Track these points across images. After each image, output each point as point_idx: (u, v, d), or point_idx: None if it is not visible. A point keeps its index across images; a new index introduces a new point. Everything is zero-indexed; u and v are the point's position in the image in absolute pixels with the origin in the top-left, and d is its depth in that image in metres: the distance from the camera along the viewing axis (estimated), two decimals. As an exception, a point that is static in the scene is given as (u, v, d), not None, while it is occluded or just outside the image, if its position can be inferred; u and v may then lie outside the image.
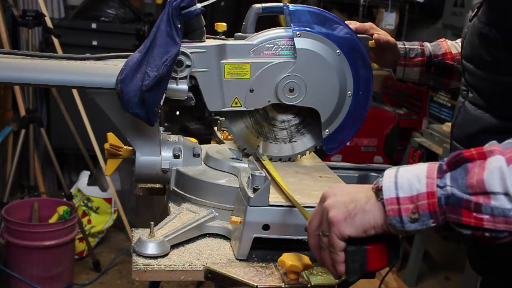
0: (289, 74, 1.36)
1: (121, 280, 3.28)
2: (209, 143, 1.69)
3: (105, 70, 1.29)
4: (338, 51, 1.37)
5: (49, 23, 3.24)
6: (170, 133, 1.47)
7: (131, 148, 1.38)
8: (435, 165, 0.87)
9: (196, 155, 1.40)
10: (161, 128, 1.42)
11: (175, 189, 1.36)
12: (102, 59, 1.33)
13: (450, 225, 0.84)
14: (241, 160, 1.42)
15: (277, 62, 1.35)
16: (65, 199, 3.27)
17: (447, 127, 3.11)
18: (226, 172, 1.37)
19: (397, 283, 3.31)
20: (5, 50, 1.31)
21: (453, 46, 1.62)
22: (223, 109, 1.37)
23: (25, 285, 2.86)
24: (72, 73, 1.28)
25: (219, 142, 1.64)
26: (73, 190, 3.58)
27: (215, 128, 1.75)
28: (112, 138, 1.38)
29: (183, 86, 1.31)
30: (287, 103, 1.38)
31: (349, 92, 1.40)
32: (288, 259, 1.10)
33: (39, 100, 3.96)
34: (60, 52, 3.26)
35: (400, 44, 1.58)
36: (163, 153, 1.37)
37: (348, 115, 1.42)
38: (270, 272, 1.14)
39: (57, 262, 2.96)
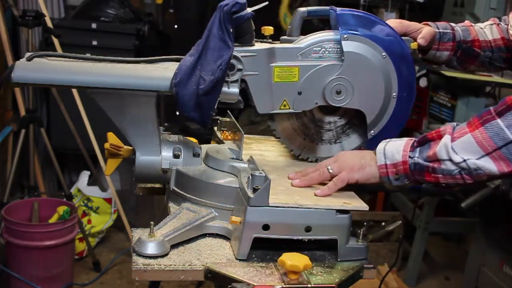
0: (337, 76, 1.37)
1: (121, 280, 3.28)
2: (209, 143, 1.68)
3: (159, 73, 1.30)
4: (384, 53, 1.39)
5: (49, 23, 3.24)
6: (170, 133, 1.47)
7: (131, 147, 1.38)
8: (410, 141, 1.25)
9: (196, 155, 1.40)
10: (161, 128, 1.42)
11: (175, 189, 1.35)
12: (152, 62, 1.36)
13: (420, 181, 1.24)
14: (241, 160, 1.42)
15: (325, 65, 1.37)
16: (65, 199, 3.26)
17: (447, 127, 3.10)
18: (226, 172, 1.37)
19: (397, 283, 3.31)
20: (56, 53, 1.33)
21: (480, 33, 1.64)
22: (272, 112, 1.39)
23: (25, 285, 2.86)
24: (127, 76, 1.28)
25: (219, 142, 1.64)
26: (73, 190, 3.57)
27: (215, 128, 1.75)
28: (112, 137, 1.38)
29: (235, 89, 1.32)
30: (335, 105, 1.40)
31: (394, 94, 1.42)
32: (288, 259, 1.10)
33: (39, 100, 3.96)
34: (60, 52, 3.26)
35: (434, 28, 1.58)
36: (163, 153, 1.37)
37: (392, 116, 1.44)
38: (270, 272, 1.14)
39: (57, 262, 2.96)
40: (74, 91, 3.25)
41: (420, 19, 1.63)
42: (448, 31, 1.61)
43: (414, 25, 1.55)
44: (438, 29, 1.60)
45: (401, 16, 4.24)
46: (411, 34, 1.52)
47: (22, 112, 3.18)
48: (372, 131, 1.44)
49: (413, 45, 1.48)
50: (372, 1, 4.16)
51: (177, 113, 4.54)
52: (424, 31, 1.54)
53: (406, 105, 1.44)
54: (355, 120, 1.48)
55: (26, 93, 3.25)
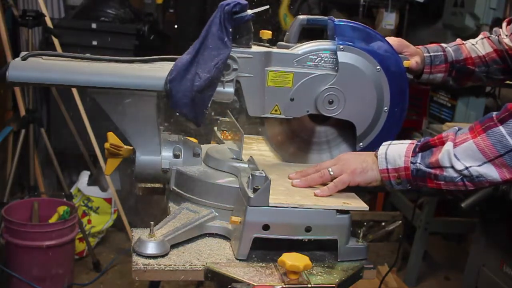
0: (330, 86, 1.38)
1: (121, 280, 3.28)
2: (209, 143, 1.68)
3: (154, 73, 1.30)
4: (378, 67, 1.39)
5: (49, 23, 3.24)
6: (170, 132, 1.47)
7: (131, 147, 1.38)
8: (412, 145, 1.25)
9: (196, 155, 1.40)
10: (161, 128, 1.42)
11: (175, 188, 1.36)
12: (147, 62, 1.35)
13: (422, 186, 1.23)
14: (241, 160, 1.42)
15: (319, 73, 1.37)
16: (65, 199, 3.27)
17: (447, 127, 3.11)
18: (226, 172, 1.37)
19: (397, 283, 3.31)
20: (51, 53, 1.32)
21: (473, 50, 1.66)
22: (262, 115, 1.39)
23: (25, 285, 2.86)
24: (122, 76, 1.28)
25: (219, 142, 1.64)
26: (73, 190, 3.57)
27: (215, 128, 1.75)
28: (112, 137, 1.38)
29: (230, 89, 1.32)
30: (326, 114, 1.40)
31: (385, 108, 1.43)
32: (288, 259, 1.10)
33: (39, 100, 3.96)
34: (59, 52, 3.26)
35: (424, 52, 1.61)
36: (163, 153, 1.37)
37: (382, 130, 1.44)
38: (270, 272, 1.14)
39: (57, 262, 2.96)
40: (74, 91, 3.25)
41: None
42: (439, 53, 1.63)
43: (411, 47, 1.57)
44: (429, 53, 1.62)
45: (401, 16, 4.24)
46: (405, 54, 1.55)
47: (22, 112, 3.18)
48: (361, 144, 1.44)
49: (406, 63, 1.49)
50: (372, 1, 4.16)
51: (177, 113, 4.54)
52: (418, 56, 1.57)
53: (397, 121, 1.45)
54: (345, 131, 1.48)
55: (26, 93, 3.25)
